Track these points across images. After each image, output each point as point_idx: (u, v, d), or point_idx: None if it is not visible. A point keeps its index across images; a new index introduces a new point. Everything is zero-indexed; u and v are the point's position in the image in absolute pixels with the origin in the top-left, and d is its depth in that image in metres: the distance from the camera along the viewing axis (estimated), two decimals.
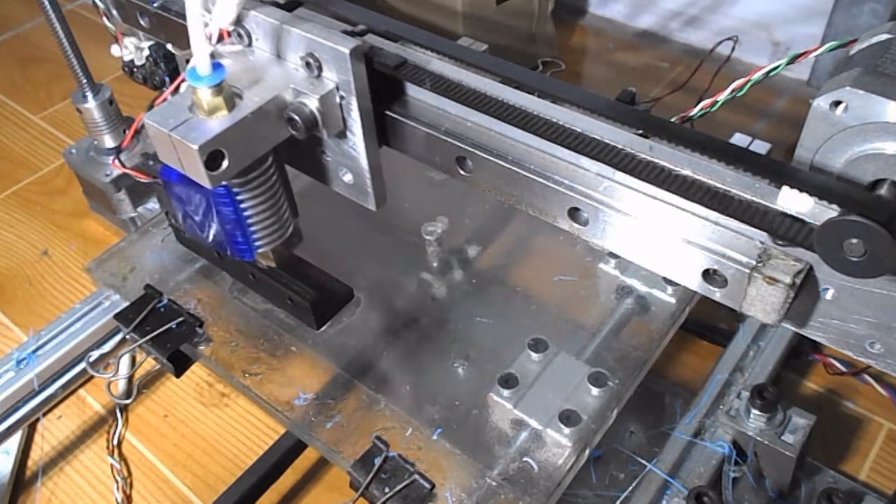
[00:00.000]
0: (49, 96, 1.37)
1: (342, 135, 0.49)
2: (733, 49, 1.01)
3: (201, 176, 0.44)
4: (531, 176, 0.47)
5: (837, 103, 0.35)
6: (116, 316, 0.70)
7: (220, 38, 0.48)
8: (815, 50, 0.42)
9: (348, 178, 0.52)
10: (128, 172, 0.61)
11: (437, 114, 0.49)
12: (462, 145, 0.49)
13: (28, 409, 0.84)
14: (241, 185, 0.49)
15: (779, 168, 0.37)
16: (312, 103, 0.46)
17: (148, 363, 0.91)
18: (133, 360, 0.90)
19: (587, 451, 0.58)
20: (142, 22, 0.65)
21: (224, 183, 0.47)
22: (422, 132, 0.50)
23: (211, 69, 0.43)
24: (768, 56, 1.25)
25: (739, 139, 0.72)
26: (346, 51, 0.44)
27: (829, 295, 0.40)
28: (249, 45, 0.48)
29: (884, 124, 0.34)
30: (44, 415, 0.88)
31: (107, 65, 1.10)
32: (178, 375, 0.69)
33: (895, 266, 0.34)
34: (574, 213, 0.47)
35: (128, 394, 0.90)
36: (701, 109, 0.46)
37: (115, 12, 0.68)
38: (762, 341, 0.78)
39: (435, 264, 0.75)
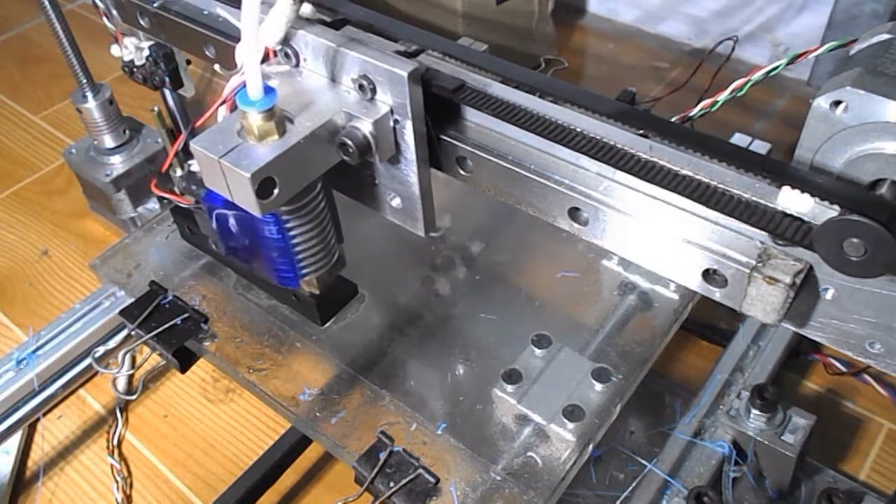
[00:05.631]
0: (49, 96, 1.37)
1: (395, 160, 0.47)
2: (733, 49, 1.01)
3: (251, 204, 0.42)
4: (531, 176, 0.47)
5: (837, 103, 0.35)
6: (121, 312, 0.70)
7: (266, 58, 0.46)
8: (815, 50, 0.42)
9: (396, 202, 0.49)
10: (167, 197, 0.59)
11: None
12: (462, 145, 0.49)
13: (28, 409, 0.84)
14: (289, 212, 0.47)
15: (779, 168, 0.37)
16: (366, 127, 0.44)
17: (149, 362, 0.91)
18: (134, 359, 0.90)
19: (590, 446, 0.59)
20: (142, 22, 0.65)
21: (272, 210, 0.46)
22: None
23: (263, 93, 0.41)
24: (768, 56, 1.25)
25: (739, 139, 0.72)
26: (405, 73, 0.42)
27: (829, 295, 0.40)
28: (297, 65, 0.46)
29: (884, 124, 0.34)
30: (44, 415, 0.88)
31: (107, 65, 1.10)
32: (183, 371, 0.69)
33: (895, 266, 0.34)
34: (574, 213, 0.47)
35: (131, 391, 0.90)
36: (701, 109, 0.46)
37: (115, 12, 0.68)
38: (762, 341, 0.78)
39: (438, 261, 0.75)
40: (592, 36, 1.40)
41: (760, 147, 0.66)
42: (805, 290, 0.40)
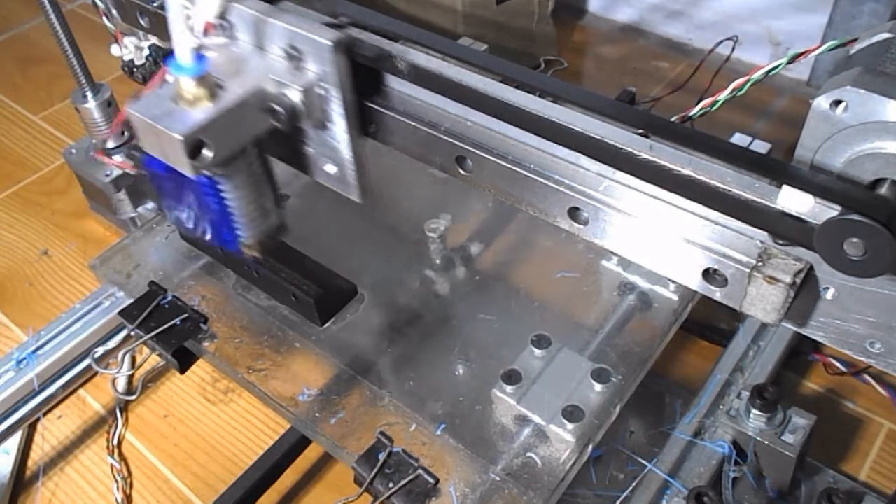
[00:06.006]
0: (49, 96, 1.37)
1: (324, 126, 0.49)
2: (733, 49, 1.01)
3: (184, 165, 0.44)
4: (531, 175, 0.47)
5: (838, 102, 0.35)
6: (121, 312, 0.70)
7: (206, 32, 0.48)
8: (815, 50, 0.42)
9: (331, 169, 0.52)
10: (112, 163, 0.61)
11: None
12: (462, 144, 0.49)
13: (28, 409, 0.84)
14: (223, 174, 0.49)
15: (779, 167, 0.37)
16: (294, 95, 0.47)
17: (149, 362, 0.91)
18: (133, 359, 0.90)
19: (590, 447, 0.59)
20: (142, 21, 0.65)
21: (207, 173, 0.48)
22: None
23: (194, 60, 0.43)
24: (768, 56, 1.25)
25: (740, 139, 0.72)
26: (328, 43, 0.45)
27: (829, 294, 0.40)
28: (233, 37, 0.49)
29: (884, 123, 0.34)
30: (44, 415, 0.88)
31: (107, 65, 1.10)
32: (182, 372, 0.69)
33: (895, 265, 0.34)
34: (574, 213, 0.47)
35: (130, 391, 0.90)
36: (701, 109, 0.46)
37: (115, 12, 0.68)
38: (762, 341, 0.78)
39: (438, 261, 0.75)
40: (592, 36, 1.40)
41: (760, 147, 0.66)
42: (805, 290, 0.40)
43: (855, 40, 0.39)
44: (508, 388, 0.61)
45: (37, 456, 0.86)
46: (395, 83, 0.50)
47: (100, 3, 0.68)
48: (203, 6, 0.46)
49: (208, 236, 0.53)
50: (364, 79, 0.49)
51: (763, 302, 0.40)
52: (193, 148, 0.44)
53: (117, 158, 0.61)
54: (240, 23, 0.48)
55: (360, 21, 0.50)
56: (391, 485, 0.56)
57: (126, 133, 1.03)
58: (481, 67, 0.47)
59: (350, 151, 0.50)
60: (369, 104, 0.51)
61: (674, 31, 1.35)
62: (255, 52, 0.48)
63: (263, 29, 0.47)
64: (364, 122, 0.51)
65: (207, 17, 0.47)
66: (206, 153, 0.45)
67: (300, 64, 0.47)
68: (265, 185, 0.53)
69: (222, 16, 0.48)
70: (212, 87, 0.45)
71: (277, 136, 0.50)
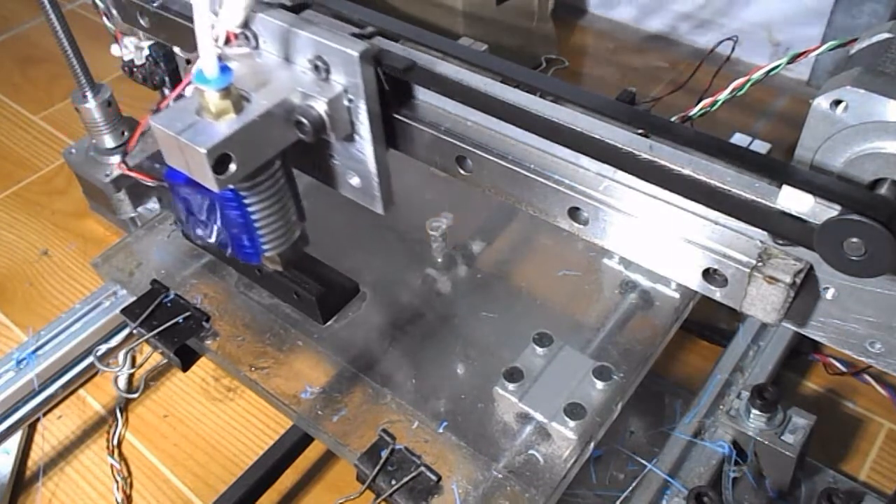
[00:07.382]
0: (49, 96, 1.37)
1: (350, 138, 0.48)
2: (733, 49, 1.01)
3: (209, 179, 0.43)
4: (531, 175, 0.47)
5: (838, 102, 0.35)
6: (123, 311, 0.70)
7: (228, 41, 0.47)
8: (815, 50, 0.42)
9: (356, 181, 0.51)
10: (133, 175, 0.61)
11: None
12: (462, 144, 0.49)
13: (28, 409, 0.84)
14: (248, 188, 0.48)
15: (779, 167, 0.37)
16: (321, 106, 0.46)
17: (149, 361, 0.91)
18: (133, 359, 0.90)
19: (592, 444, 0.59)
20: (142, 22, 0.65)
21: (231, 186, 0.47)
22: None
23: (219, 72, 0.42)
24: (768, 56, 1.25)
25: (740, 139, 0.72)
26: (356, 54, 0.44)
27: (829, 294, 0.40)
28: (257, 47, 0.48)
29: (884, 123, 0.34)
30: (44, 415, 0.88)
31: (107, 65, 1.10)
32: (184, 370, 0.69)
33: (895, 265, 0.34)
34: (574, 213, 0.47)
35: (131, 390, 0.90)
36: (701, 109, 0.46)
37: (115, 12, 0.68)
38: (762, 341, 0.78)
39: (440, 260, 0.75)
40: (592, 36, 1.40)
41: (760, 147, 0.66)
42: (805, 290, 0.40)
43: (855, 40, 0.39)
44: (510, 386, 0.61)
45: (37, 456, 0.86)
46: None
47: (100, 3, 0.68)
48: (226, 15, 0.45)
49: (230, 249, 0.52)
50: (390, 90, 0.48)
51: (763, 302, 0.40)
52: (218, 162, 0.42)
53: (126, 165, 0.61)
54: (265, 33, 0.47)
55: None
56: (393, 482, 0.57)
57: (127, 132, 1.03)
58: (481, 67, 0.48)
59: (375, 164, 0.49)
60: (396, 116, 0.49)
61: (674, 30, 1.35)
62: (280, 63, 0.47)
63: (290, 40, 0.46)
64: (389, 134, 0.50)
65: (229, 27, 0.46)
66: (232, 167, 0.43)
67: (326, 75, 0.45)
68: (289, 197, 0.51)
69: (246, 25, 0.47)
70: (237, 99, 0.43)
71: (302, 148, 0.48)
